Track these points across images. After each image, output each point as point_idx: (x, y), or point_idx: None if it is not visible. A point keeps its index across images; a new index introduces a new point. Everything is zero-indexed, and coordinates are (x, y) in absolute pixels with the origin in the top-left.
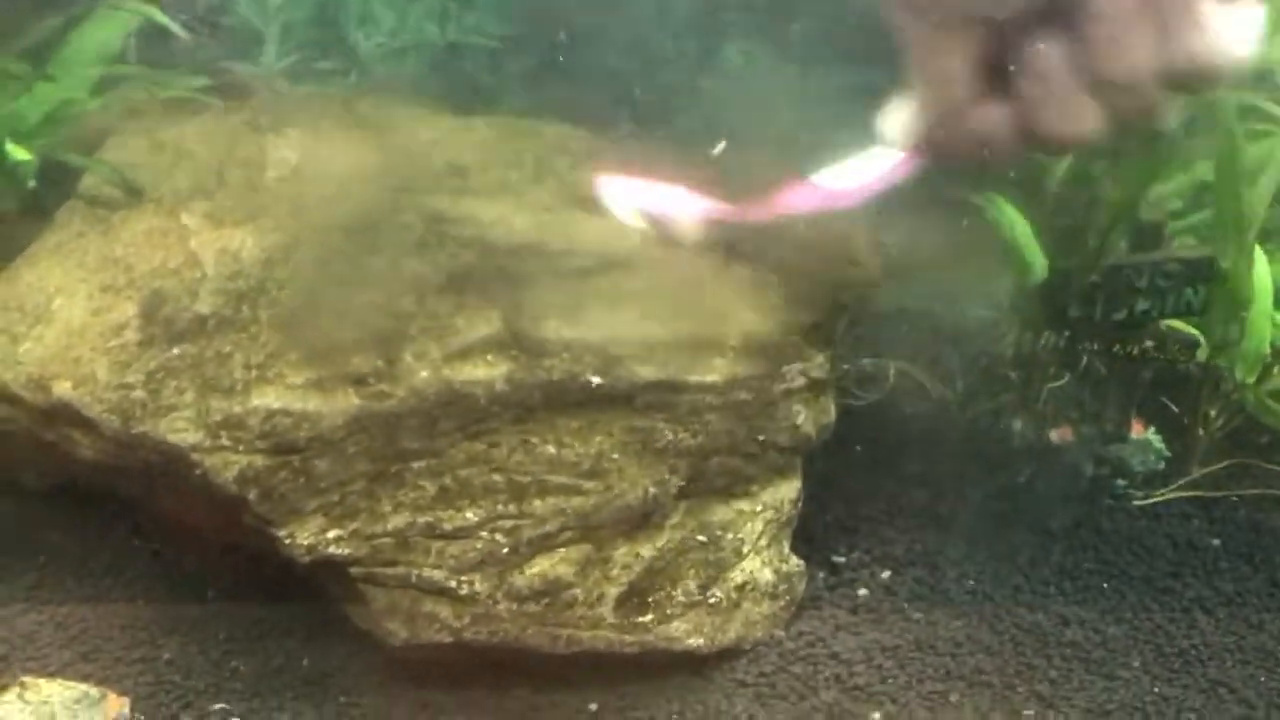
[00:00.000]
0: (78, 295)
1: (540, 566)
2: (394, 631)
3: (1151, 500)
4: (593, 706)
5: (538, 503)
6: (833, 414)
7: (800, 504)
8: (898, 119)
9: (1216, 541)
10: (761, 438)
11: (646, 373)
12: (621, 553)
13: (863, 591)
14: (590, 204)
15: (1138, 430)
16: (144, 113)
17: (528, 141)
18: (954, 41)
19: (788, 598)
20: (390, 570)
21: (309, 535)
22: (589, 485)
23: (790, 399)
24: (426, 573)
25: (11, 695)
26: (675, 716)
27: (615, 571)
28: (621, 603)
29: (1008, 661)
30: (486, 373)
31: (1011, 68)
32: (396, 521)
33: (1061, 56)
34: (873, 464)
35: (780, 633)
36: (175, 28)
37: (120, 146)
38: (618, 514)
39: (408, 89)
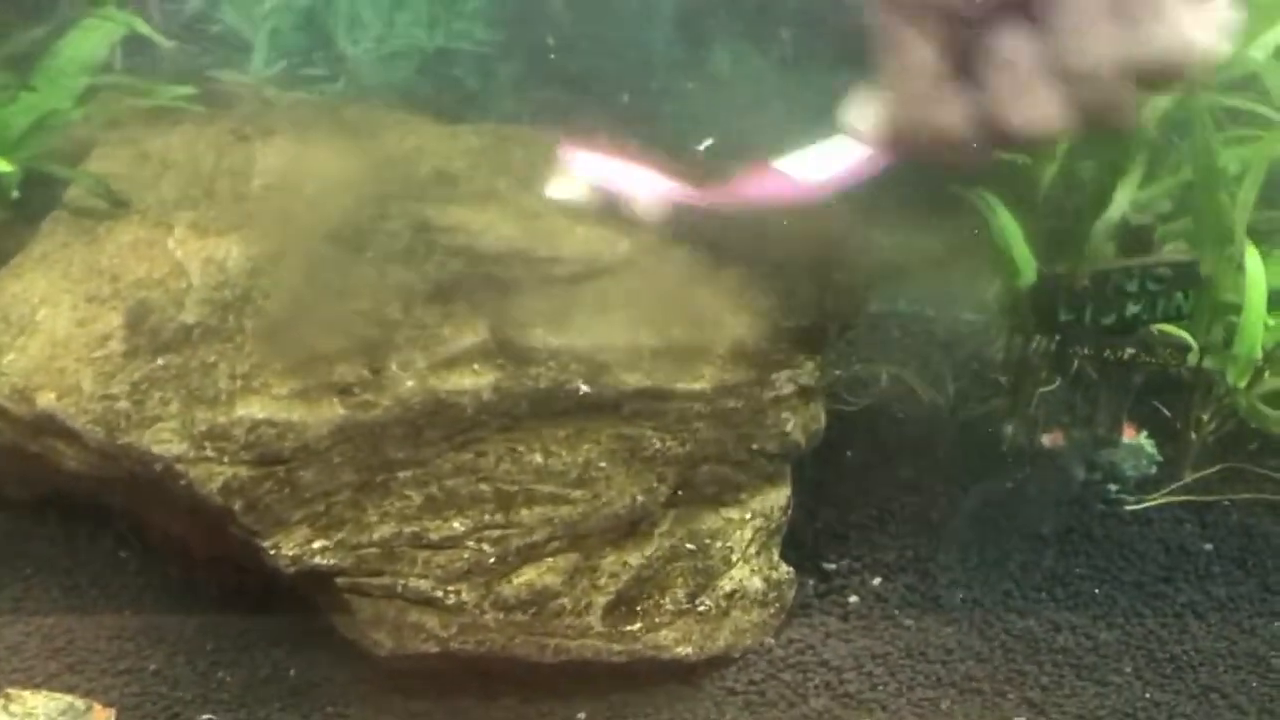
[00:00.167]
0: (62, 306)
1: (528, 576)
2: (380, 642)
3: (1143, 505)
4: (581, 716)
5: (525, 512)
6: (823, 420)
7: (790, 511)
8: (863, 108)
9: (1209, 546)
10: (751, 445)
11: (634, 380)
12: (609, 561)
13: (853, 598)
14: (573, 211)
15: (1129, 435)
16: (129, 122)
17: (516, 148)
18: (920, 31)
19: (777, 605)
20: (376, 580)
21: (294, 546)
22: (576, 494)
23: (779, 406)
24: (413, 583)
25: None
26: None
27: (603, 580)
28: (609, 611)
29: (999, 668)
30: (473, 382)
31: (977, 59)
32: (383, 531)
33: (1027, 47)
34: (863, 470)
35: (770, 640)
36: (160, 37)
37: (105, 156)
38: (605, 523)
39: (395, 96)
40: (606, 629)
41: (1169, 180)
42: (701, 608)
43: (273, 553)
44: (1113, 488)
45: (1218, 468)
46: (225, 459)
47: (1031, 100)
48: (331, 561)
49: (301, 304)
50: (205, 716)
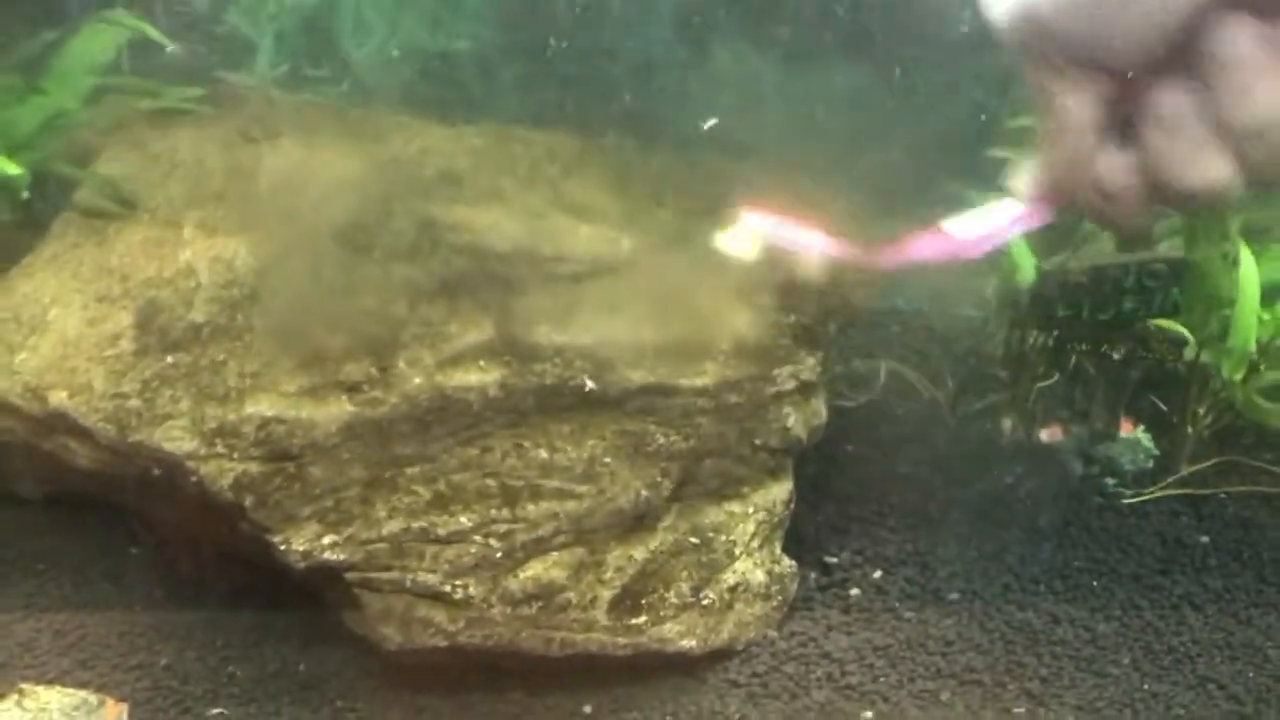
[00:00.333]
0: (73, 305)
1: (534, 570)
2: (389, 636)
3: (1140, 498)
4: (587, 708)
5: (531, 507)
6: (824, 416)
7: (792, 505)
8: (1027, 170)
9: (1205, 538)
10: (753, 440)
11: (638, 376)
12: (614, 555)
13: (854, 591)
14: (580, 210)
15: (1127, 429)
16: (137, 124)
17: (519, 148)
18: (1080, 91)
19: (780, 598)
20: (385, 575)
21: (304, 541)
22: (582, 489)
23: (781, 401)
24: (421, 577)
25: (10, 702)
26: (669, 717)
27: (608, 574)
28: (615, 605)
29: (998, 659)
30: (479, 378)
31: (1139, 119)
32: (391, 527)
33: (1189, 105)
34: (864, 465)
35: (773, 633)
36: (167, 40)
37: (114, 158)
38: (610, 517)
39: (400, 97)
40: (612, 623)
41: None
42: (705, 601)
43: (283, 548)
44: (1110, 481)
45: (1214, 461)
46: (235, 455)
47: (1197, 160)
48: (341, 557)
49: (309, 302)
50: (216, 711)
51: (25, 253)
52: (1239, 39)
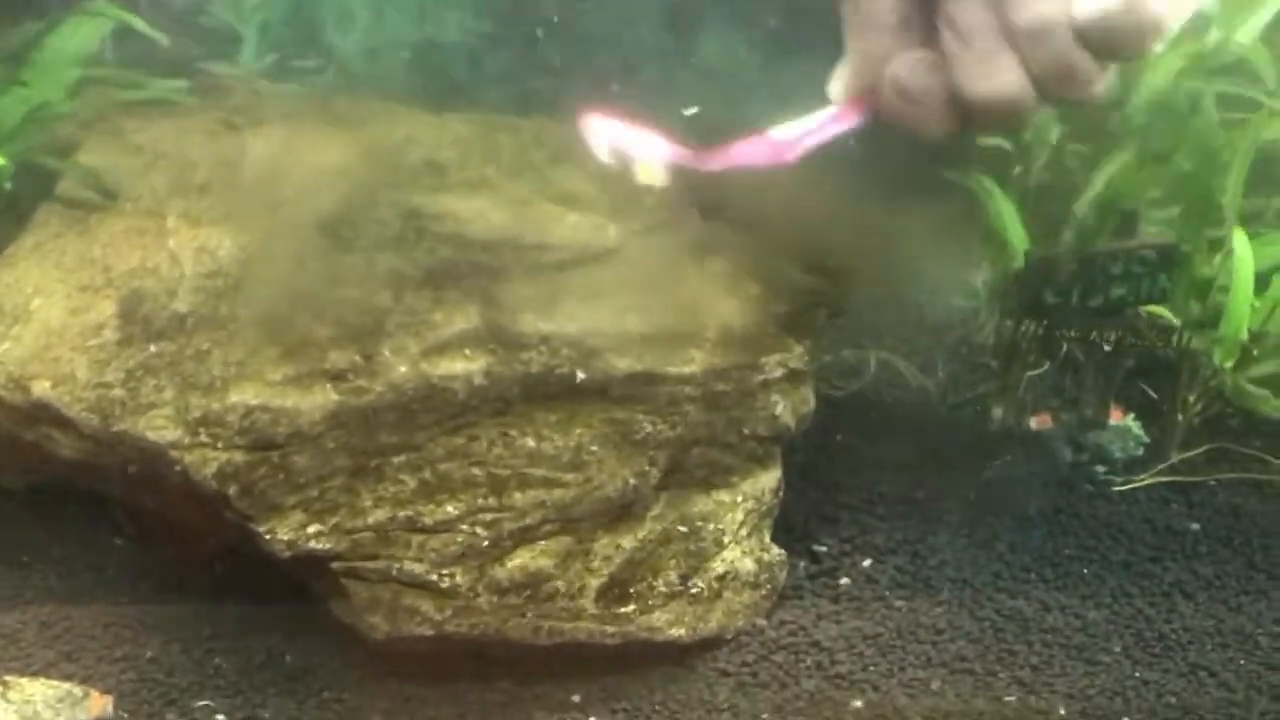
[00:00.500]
0: (56, 295)
1: (521, 559)
2: (376, 625)
3: (1131, 485)
4: (575, 698)
5: (518, 495)
6: (812, 404)
7: (781, 494)
8: (838, 72)
9: (1196, 526)
10: (741, 429)
11: (624, 365)
12: (602, 544)
13: (844, 580)
14: (568, 198)
15: (1117, 416)
16: (120, 114)
17: (505, 136)
18: None
19: (769, 587)
20: (371, 564)
21: (289, 531)
22: (569, 477)
23: (769, 389)
24: (407, 566)
25: None
26: (658, 706)
27: (596, 563)
28: (603, 594)
29: (989, 648)
30: (465, 367)
31: (939, 23)
32: (377, 516)
33: (983, 12)
34: (853, 453)
35: (762, 622)
36: (151, 30)
37: (96, 148)
38: (598, 506)
39: (385, 86)
40: (600, 611)
41: (1157, 168)
42: (694, 590)
43: (268, 538)
44: (1100, 469)
45: (1204, 448)
46: (219, 445)
47: (988, 67)
48: (326, 546)
49: (293, 291)
50: (202, 702)
51: (8, 243)
52: None
